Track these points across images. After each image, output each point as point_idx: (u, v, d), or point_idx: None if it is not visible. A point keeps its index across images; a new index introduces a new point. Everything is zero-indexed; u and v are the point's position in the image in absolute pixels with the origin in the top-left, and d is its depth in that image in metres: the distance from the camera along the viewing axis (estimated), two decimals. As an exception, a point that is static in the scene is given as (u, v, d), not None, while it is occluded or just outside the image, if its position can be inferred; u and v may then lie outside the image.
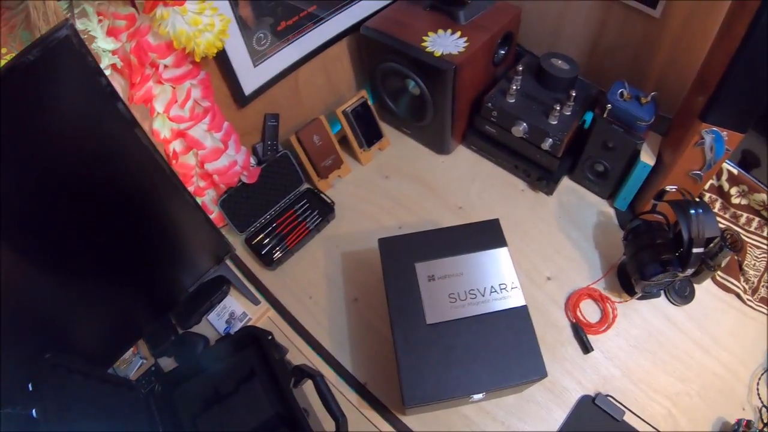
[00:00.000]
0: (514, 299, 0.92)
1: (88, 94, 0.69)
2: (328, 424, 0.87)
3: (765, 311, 1.10)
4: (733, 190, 1.18)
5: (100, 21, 0.82)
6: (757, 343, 1.06)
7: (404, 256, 0.97)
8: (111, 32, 0.84)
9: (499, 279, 0.94)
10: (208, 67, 0.99)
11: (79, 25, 0.80)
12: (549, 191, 1.28)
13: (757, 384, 1.01)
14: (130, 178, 0.80)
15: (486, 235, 1.00)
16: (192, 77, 0.95)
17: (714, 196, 1.22)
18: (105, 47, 0.84)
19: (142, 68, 0.89)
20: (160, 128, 0.98)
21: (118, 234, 0.82)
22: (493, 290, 0.93)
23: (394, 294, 0.93)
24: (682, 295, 1.12)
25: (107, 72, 0.86)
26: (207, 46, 0.87)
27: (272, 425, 0.83)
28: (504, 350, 0.87)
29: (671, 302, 1.12)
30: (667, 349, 1.05)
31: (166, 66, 0.90)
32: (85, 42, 0.82)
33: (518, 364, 0.86)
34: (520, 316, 0.90)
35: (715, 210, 1.22)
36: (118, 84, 0.91)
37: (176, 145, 1.02)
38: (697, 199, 0.99)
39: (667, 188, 1.03)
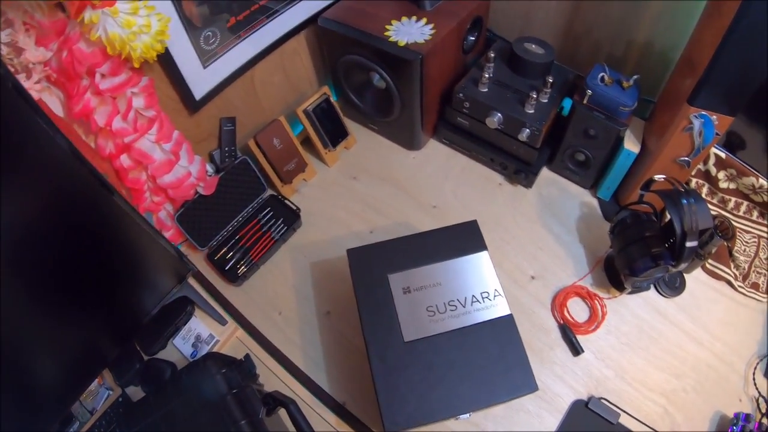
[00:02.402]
0: (497, 308, 0.86)
1: (9, 122, 0.61)
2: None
3: (757, 297, 1.08)
4: (721, 174, 1.14)
5: (27, 30, 0.75)
6: (750, 330, 1.04)
7: (376, 267, 0.90)
8: (40, 42, 0.77)
9: (481, 287, 0.88)
10: (152, 72, 0.92)
11: (4, 37, 0.73)
12: (528, 184, 1.22)
13: (753, 373, 0.99)
14: (72, 207, 0.75)
15: (464, 238, 0.94)
16: (132, 85, 0.87)
17: (701, 181, 1.19)
18: (34, 59, 0.78)
19: (78, 79, 0.82)
20: (104, 143, 0.91)
21: (66, 261, 0.77)
22: (475, 300, 0.87)
23: (367, 310, 0.87)
24: (673, 286, 1.09)
25: (38, 86, 0.80)
26: (144, 49, 0.80)
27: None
28: (490, 365, 0.81)
29: (661, 294, 1.09)
30: (659, 344, 1.02)
31: (102, 75, 0.83)
32: (10, 57, 0.75)
33: (506, 378, 0.81)
34: (505, 326, 0.85)
35: (702, 195, 1.18)
36: (57, 97, 0.84)
37: (123, 160, 0.95)
38: (687, 188, 0.94)
39: (655, 177, 0.98)
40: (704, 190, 1.19)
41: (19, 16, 0.73)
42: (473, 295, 0.87)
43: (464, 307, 0.86)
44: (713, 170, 1.14)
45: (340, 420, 0.95)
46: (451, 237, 0.94)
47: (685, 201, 0.89)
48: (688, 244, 0.89)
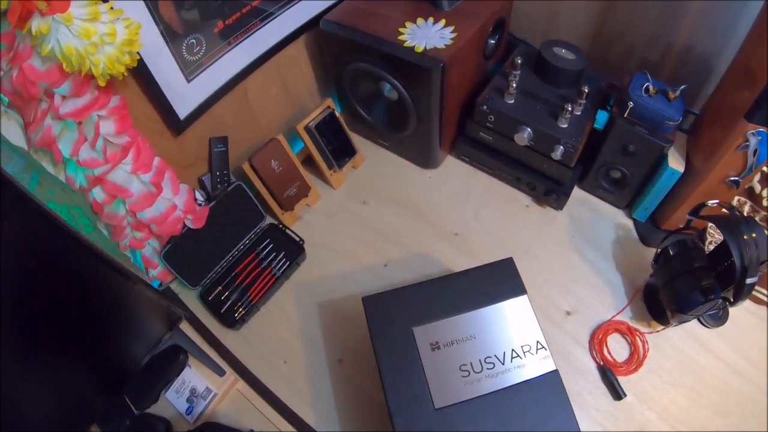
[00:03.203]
0: (541, 364, 0.78)
1: None
2: None
3: None
4: (765, 192, 1.06)
5: None
6: None
7: (398, 317, 0.82)
8: None
9: (521, 339, 0.79)
10: (126, 89, 0.82)
11: None
12: (559, 206, 1.14)
13: None
14: (42, 258, 0.72)
15: (499, 280, 0.85)
16: (98, 107, 0.76)
17: (743, 199, 1.12)
18: None
19: (35, 102, 0.72)
20: (74, 175, 0.82)
21: (44, 314, 0.75)
22: (515, 355, 0.78)
23: (390, 371, 0.77)
24: (716, 316, 1.02)
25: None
26: (109, 63, 0.67)
27: None
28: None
29: (704, 325, 1.02)
30: (703, 380, 0.97)
31: (63, 96, 0.72)
32: None
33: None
34: (550, 384, 0.76)
35: (744, 214, 1.11)
36: (16, 124, 0.76)
37: (97, 194, 0.85)
38: (745, 215, 0.85)
39: (709, 203, 0.91)
40: (746, 208, 1.11)
41: None
42: (513, 350, 0.78)
43: (503, 364, 0.77)
44: (757, 187, 1.06)
45: (358, 486, 0.86)
46: (484, 279, 0.86)
47: (746, 231, 0.82)
48: (749, 280, 0.81)
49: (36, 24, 0.61)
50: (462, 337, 0.79)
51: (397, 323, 0.81)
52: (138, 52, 0.72)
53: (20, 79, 0.67)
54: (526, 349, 0.78)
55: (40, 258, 0.73)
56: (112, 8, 0.66)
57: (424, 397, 0.75)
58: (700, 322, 1.02)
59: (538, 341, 0.79)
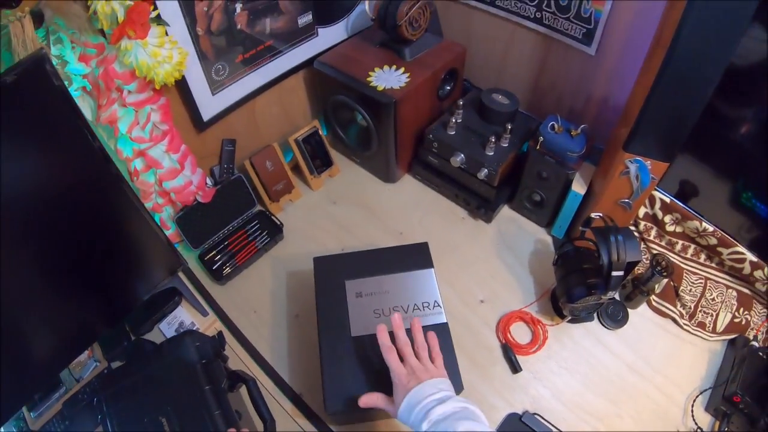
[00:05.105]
0: (435, 317, 0.96)
1: (54, 115, 0.76)
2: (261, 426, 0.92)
3: (702, 336, 1.11)
4: (667, 218, 1.20)
5: (73, 48, 0.90)
6: (694, 366, 1.07)
7: (336, 273, 1.02)
8: (82, 58, 0.92)
9: (424, 298, 0.99)
10: (170, 93, 1.06)
11: (54, 50, 0.88)
12: (487, 219, 1.33)
13: (692, 406, 1.01)
14: (92, 195, 0.85)
15: (415, 256, 1.05)
16: (152, 102, 1.02)
17: (649, 224, 1.25)
18: (76, 72, 0.93)
19: (109, 92, 0.96)
20: (123, 147, 1.04)
21: (79, 245, 0.87)
22: (416, 308, 0.97)
23: (324, 308, 0.98)
24: (615, 319, 1.14)
25: (77, 93, 0.95)
26: (165, 76, 0.95)
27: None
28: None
29: (604, 326, 1.14)
30: (598, 371, 1.06)
31: (129, 91, 0.97)
32: (57, 67, 0.90)
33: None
34: (440, 332, 0.93)
35: (651, 237, 1.25)
36: (88, 105, 0.99)
37: (137, 164, 1.08)
38: (618, 226, 1.02)
39: (593, 215, 1.06)
40: (653, 233, 1.24)
41: (69, 36, 0.88)
42: (415, 304, 0.98)
43: (406, 312, 0.97)
44: (659, 214, 1.20)
45: (295, 408, 1.04)
46: (404, 254, 1.05)
47: (612, 237, 0.97)
48: (614, 273, 0.97)
49: (124, 43, 0.88)
50: (379, 291, 0.99)
51: (335, 277, 1.01)
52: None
53: (104, 75, 0.93)
54: (425, 305, 0.97)
55: (90, 187, 0.83)
56: (172, 40, 0.94)
57: (345, 328, 0.94)
58: (601, 322, 1.14)
59: (435, 301, 0.98)
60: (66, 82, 0.91)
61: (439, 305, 0.98)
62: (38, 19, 0.84)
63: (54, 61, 0.88)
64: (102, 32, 0.90)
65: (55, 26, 0.87)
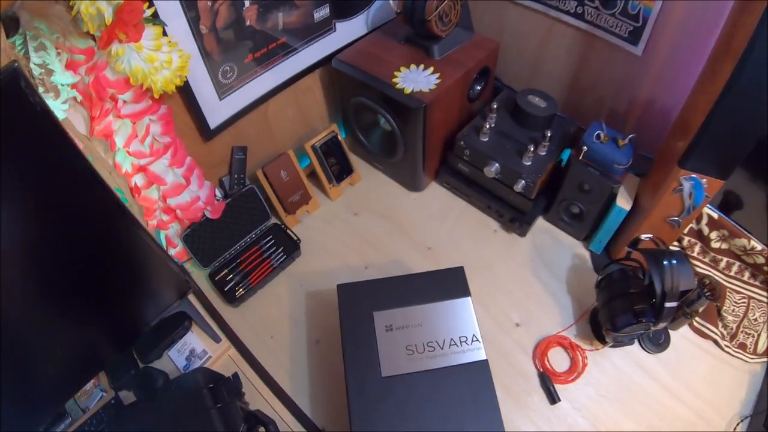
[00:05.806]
0: (474, 353, 0.90)
1: (34, 136, 0.67)
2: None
3: (743, 357, 1.08)
4: (713, 235, 1.16)
5: (58, 54, 0.82)
6: (734, 390, 1.04)
7: (363, 303, 0.95)
8: (70, 66, 0.84)
9: (460, 331, 0.92)
10: (171, 100, 0.99)
11: (36, 58, 0.80)
12: (522, 233, 1.25)
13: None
14: (86, 218, 0.80)
15: (449, 283, 0.98)
16: (151, 113, 0.94)
17: (693, 240, 1.20)
18: (63, 81, 0.84)
19: (102, 102, 0.88)
20: (122, 162, 0.98)
21: (77, 270, 0.82)
22: (453, 343, 0.90)
23: (350, 343, 0.91)
24: (657, 342, 1.10)
25: (65, 106, 0.87)
26: (164, 83, 0.86)
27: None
28: (461, 405, 0.85)
29: (645, 350, 1.10)
30: (638, 398, 1.03)
31: (125, 101, 0.90)
32: (41, 77, 0.81)
33: (475, 419, 0.84)
34: (479, 370, 0.88)
35: (695, 254, 1.20)
36: (81, 116, 0.91)
37: (138, 179, 1.02)
38: (672, 249, 0.96)
39: (642, 237, 1.00)
40: (696, 249, 1.19)
41: (53, 41, 0.79)
42: (452, 339, 0.91)
43: (442, 349, 0.90)
44: (705, 230, 1.15)
45: (319, 447, 0.98)
46: (437, 281, 0.98)
47: (666, 262, 0.91)
48: (668, 304, 0.91)
49: (115, 48, 0.79)
50: (412, 323, 0.92)
51: (362, 307, 0.94)
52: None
53: (95, 84, 0.85)
54: (463, 339, 0.90)
55: (86, 213, 0.79)
56: (170, 41, 0.84)
57: (375, 367, 0.88)
58: (641, 346, 1.09)
59: (474, 335, 0.91)
60: (52, 95, 0.84)
61: (477, 339, 0.91)
62: (14, 24, 0.75)
63: (37, 70, 0.80)
64: (90, 35, 0.81)
65: (35, 31, 0.78)
